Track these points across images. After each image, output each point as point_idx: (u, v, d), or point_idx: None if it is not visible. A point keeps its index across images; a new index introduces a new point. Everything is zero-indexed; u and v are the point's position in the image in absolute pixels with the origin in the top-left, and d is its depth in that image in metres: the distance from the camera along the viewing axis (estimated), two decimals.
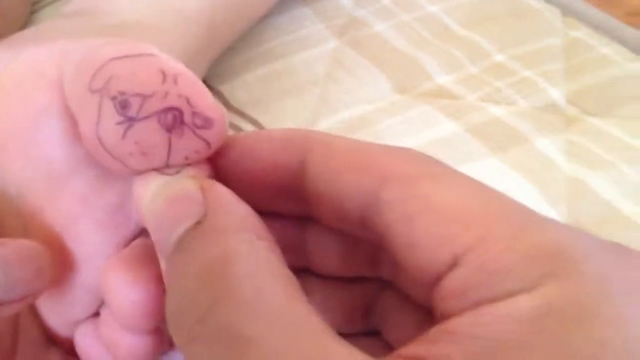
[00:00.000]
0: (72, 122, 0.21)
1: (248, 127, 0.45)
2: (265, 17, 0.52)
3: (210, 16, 0.43)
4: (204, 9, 0.42)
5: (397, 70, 0.49)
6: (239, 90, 0.47)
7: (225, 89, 0.47)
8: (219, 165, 0.21)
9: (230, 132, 0.22)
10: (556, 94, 0.48)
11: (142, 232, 0.22)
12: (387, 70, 0.49)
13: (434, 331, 0.17)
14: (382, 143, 0.20)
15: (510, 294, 0.16)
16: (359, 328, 0.23)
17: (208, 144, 0.20)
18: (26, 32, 0.39)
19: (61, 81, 0.21)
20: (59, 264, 0.22)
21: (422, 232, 0.18)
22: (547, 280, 0.16)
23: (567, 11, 0.56)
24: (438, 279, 0.17)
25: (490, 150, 0.42)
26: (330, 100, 0.47)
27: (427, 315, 0.21)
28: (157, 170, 0.20)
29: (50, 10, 0.52)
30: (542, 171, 0.41)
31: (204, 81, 0.46)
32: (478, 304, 0.16)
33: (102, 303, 0.23)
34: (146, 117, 0.19)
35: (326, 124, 0.45)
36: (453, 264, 0.17)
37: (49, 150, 0.21)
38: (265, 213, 0.20)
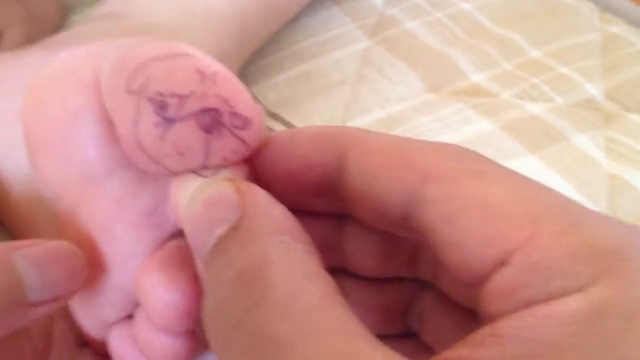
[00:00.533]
0: (108, 123, 0.21)
1: (279, 128, 0.44)
2: (296, 18, 0.51)
3: (242, 17, 0.42)
4: (236, 10, 0.42)
5: (430, 69, 0.49)
6: (269, 91, 0.47)
7: (256, 90, 0.47)
8: (256, 165, 0.21)
9: (274, 132, 0.22)
10: (593, 90, 0.47)
11: (177, 234, 0.22)
12: (419, 68, 0.49)
13: (480, 333, 0.16)
14: None
15: (561, 294, 0.15)
16: (396, 330, 0.22)
17: (246, 144, 0.20)
18: (59, 37, 0.40)
19: (97, 82, 0.21)
20: (94, 265, 0.22)
21: (468, 230, 0.17)
22: (599, 280, 0.15)
23: (604, 7, 0.55)
24: (484, 278, 0.17)
25: (527, 148, 0.41)
26: (361, 99, 0.46)
27: (467, 316, 0.20)
28: (194, 171, 0.20)
29: (82, 15, 0.53)
30: (580, 169, 0.40)
31: None
32: (526, 304, 0.16)
33: (135, 305, 0.23)
34: (184, 118, 0.19)
35: (358, 124, 0.45)
36: (500, 263, 0.16)
37: (85, 152, 0.21)
38: (301, 212, 0.20)
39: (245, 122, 0.19)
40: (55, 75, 0.21)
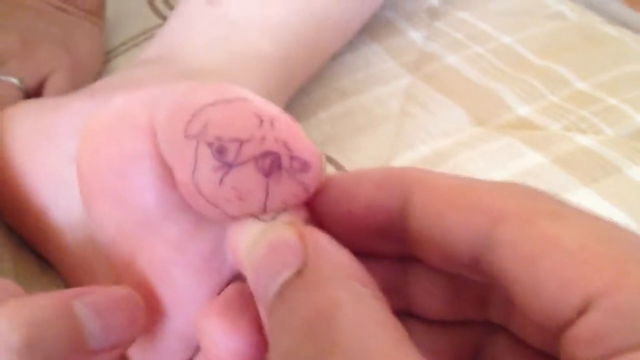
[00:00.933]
0: (164, 168, 0.20)
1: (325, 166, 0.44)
2: (337, 56, 0.51)
3: (285, 56, 0.43)
4: (280, 50, 0.42)
5: (474, 102, 0.48)
6: (313, 129, 0.47)
7: None
8: (316, 207, 0.21)
9: (335, 173, 0.22)
10: None
11: (236, 278, 0.22)
12: (463, 102, 0.48)
13: None
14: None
15: None
16: None
17: (306, 187, 0.20)
18: (105, 81, 0.40)
19: (152, 127, 0.21)
20: (152, 311, 0.22)
21: (547, 274, 0.16)
22: None
23: None
24: (566, 324, 0.16)
25: (580, 181, 0.41)
26: (405, 136, 0.46)
27: None
28: (254, 215, 0.20)
29: (123, 59, 0.53)
30: (638, 201, 0.39)
31: None
32: (615, 351, 0.15)
33: (194, 351, 0.23)
34: (243, 163, 0.19)
35: (403, 160, 0.44)
36: (584, 309, 0.16)
37: (142, 197, 0.21)
38: (364, 254, 0.19)
39: (305, 166, 0.19)
40: (110, 121, 0.22)
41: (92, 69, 0.50)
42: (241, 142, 0.19)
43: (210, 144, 0.19)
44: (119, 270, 0.22)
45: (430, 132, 0.46)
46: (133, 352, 0.24)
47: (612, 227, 0.17)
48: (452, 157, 0.44)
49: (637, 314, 0.15)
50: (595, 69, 0.50)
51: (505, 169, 0.42)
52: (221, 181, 0.19)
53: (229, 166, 0.19)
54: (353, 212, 0.20)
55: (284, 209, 0.20)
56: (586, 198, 0.39)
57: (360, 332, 0.16)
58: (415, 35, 0.55)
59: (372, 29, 0.55)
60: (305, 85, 0.48)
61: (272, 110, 0.19)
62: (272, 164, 0.19)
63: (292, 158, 0.19)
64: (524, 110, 0.47)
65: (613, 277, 0.15)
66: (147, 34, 0.55)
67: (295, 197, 0.20)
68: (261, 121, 0.19)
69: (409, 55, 0.53)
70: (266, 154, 0.19)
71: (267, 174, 0.19)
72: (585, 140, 0.44)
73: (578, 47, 0.53)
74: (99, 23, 0.53)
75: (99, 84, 0.40)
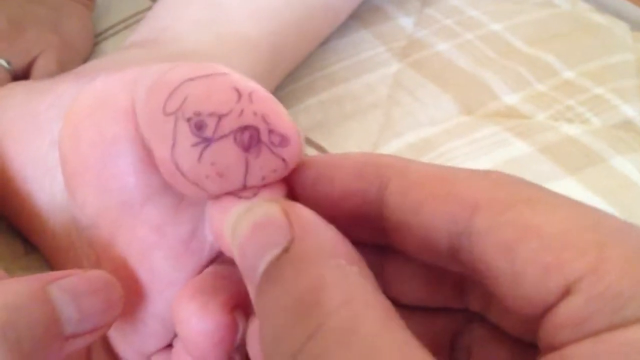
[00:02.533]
0: (144, 150, 0.20)
1: (312, 152, 0.44)
2: (326, 42, 0.51)
3: (273, 41, 0.43)
4: (267, 34, 0.42)
5: (462, 91, 0.48)
6: (301, 115, 0.47)
7: (288, 113, 0.47)
8: (294, 189, 0.20)
9: (313, 155, 0.22)
10: (630, 111, 0.46)
11: (216, 259, 0.22)
12: (451, 90, 0.48)
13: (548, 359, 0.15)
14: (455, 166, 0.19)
15: (633, 322, 0.15)
16: None
17: (285, 162, 0.19)
18: (91, 64, 0.40)
19: (133, 109, 0.20)
20: (132, 294, 0.22)
21: (526, 261, 0.16)
22: None
23: (636, 26, 0.55)
24: (547, 309, 0.16)
25: (565, 171, 0.41)
26: (394, 123, 0.46)
27: (520, 348, 0.20)
28: (234, 194, 0.20)
29: (112, 42, 0.53)
30: (620, 191, 0.40)
31: None
32: (597, 333, 0.15)
33: (175, 335, 0.23)
34: (222, 137, 0.19)
35: (390, 147, 0.44)
36: (565, 293, 0.16)
37: (122, 179, 0.21)
38: None
39: (284, 140, 0.19)
40: (91, 103, 0.21)
41: (82, 51, 0.50)
42: (220, 117, 0.19)
43: (188, 120, 0.19)
44: (99, 253, 0.22)
45: (419, 120, 0.46)
46: (114, 335, 0.24)
47: (591, 212, 0.17)
48: (439, 145, 0.44)
49: (616, 296, 0.15)
50: (584, 57, 0.50)
51: (491, 157, 0.42)
52: (200, 157, 0.19)
53: (208, 141, 0.19)
54: (330, 196, 0.20)
55: (264, 185, 0.20)
56: (569, 187, 0.40)
57: (347, 311, 0.16)
58: (406, 22, 0.55)
59: (362, 15, 0.55)
60: (294, 71, 0.48)
61: (250, 84, 0.19)
62: (251, 137, 0.19)
63: (270, 132, 0.19)
64: (511, 98, 0.47)
65: (593, 262, 0.16)
66: (137, 17, 0.55)
67: (275, 172, 0.19)
68: (240, 95, 0.19)
69: (398, 41, 0.53)
70: (245, 128, 0.19)
71: (246, 148, 0.19)
72: (571, 130, 0.44)
73: (567, 36, 0.53)
74: (90, 5, 0.53)
75: (86, 66, 0.40)
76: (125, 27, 0.55)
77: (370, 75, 0.50)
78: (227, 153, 0.19)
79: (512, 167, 0.41)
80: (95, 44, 0.53)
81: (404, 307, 0.22)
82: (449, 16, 0.55)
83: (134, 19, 0.55)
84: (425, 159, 0.43)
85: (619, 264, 0.15)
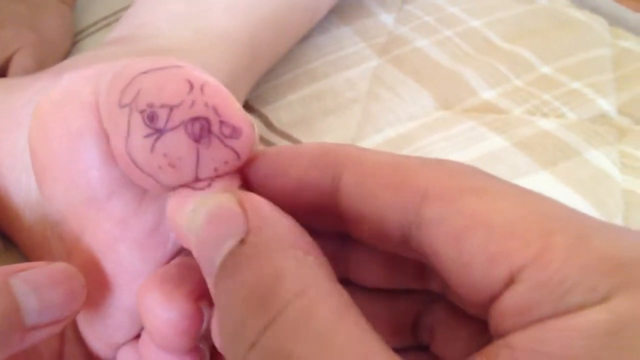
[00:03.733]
0: (108, 144, 0.21)
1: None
2: (307, 37, 0.52)
3: (252, 36, 0.43)
4: (245, 29, 0.42)
5: (440, 86, 0.49)
6: (281, 111, 0.47)
7: (268, 110, 0.47)
8: (250, 181, 0.21)
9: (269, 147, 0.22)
10: (606, 105, 0.46)
11: (183, 250, 0.22)
12: (429, 86, 0.49)
13: (493, 346, 0.16)
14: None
15: (577, 308, 0.15)
16: (407, 342, 0.22)
17: (237, 154, 0.20)
18: (70, 61, 0.40)
19: (96, 103, 0.21)
20: (100, 287, 0.22)
21: (472, 250, 0.17)
22: (617, 292, 0.15)
23: (614, 21, 0.55)
24: (494, 297, 0.16)
25: (540, 165, 0.41)
26: (373, 118, 0.46)
27: (480, 328, 0.20)
28: (188, 186, 0.20)
29: (94, 40, 0.53)
30: (594, 184, 0.40)
31: (247, 102, 0.46)
32: (541, 320, 0.15)
33: (142, 326, 0.23)
34: (173, 128, 0.19)
35: (369, 143, 0.45)
36: (510, 282, 0.16)
37: (87, 173, 0.21)
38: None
39: (235, 131, 0.19)
40: (57, 99, 0.22)
41: (61, 48, 0.50)
42: (171, 108, 0.19)
43: (142, 112, 0.19)
44: (68, 247, 0.23)
45: (398, 115, 0.47)
46: (84, 327, 0.24)
47: (538, 200, 0.17)
48: (417, 140, 0.44)
49: (559, 284, 0.15)
50: (561, 53, 0.51)
51: (468, 152, 0.43)
52: (152, 148, 0.19)
53: (159, 132, 0.19)
54: (285, 187, 0.20)
55: (218, 176, 0.20)
56: (545, 181, 0.40)
57: (302, 301, 0.16)
58: (386, 18, 0.55)
59: (343, 10, 0.55)
60: (275, 67, 0.48)
61: (203, 76, 0.19)
62: (201, 128, 0.19)
63: (221, 123, 0.19)
64: (488, 94, 0.48)
65: (537, 251, 0.16)
66: (118, 14, 0.55)
67: (227, 164, 0.20)
68: (191, 87, 0.19)
69: (378, 37, 0.53)
70: (195, 119, 0.19)
71: (197, 139, 0.19)
72: (547, 124, 0.44)
73: (545, 31, 0.53)
74: (70, 2, 0.53)
75: (65, 64, 0.40)
76: (107, 25, 0.55)
77: (351, 71, 0.50)
78: (178, 144, 0.19)
79: (488, 161, 0.42)
80: (77, 41, 0.53)
81: (366, 290, 0.22)
82: (429, 13, 0.55)
83: (115, 16, 0.55)
84: (403, 153, 0.43)
85: (562, 251, 0.16)
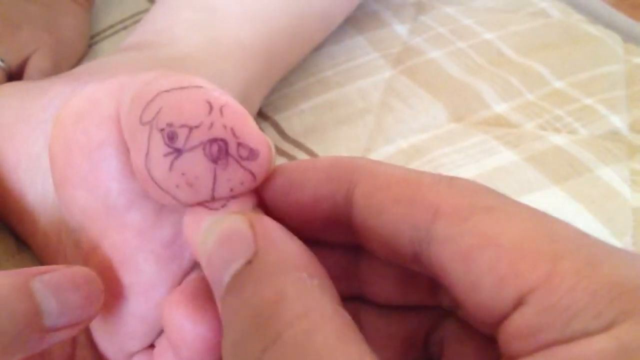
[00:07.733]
0: (128, 156, 0.21)
1: (303, 157, 0.45)
2: (320, 46, 0.52)
3: (267, 45, 0.43)
4: (261, 38, 0.43)
5: (453, 98, 0.49)
6: (294, 119, 0.47)
7: (280, 118, 0.47)
8: (265, 197, 0.21)
9: (285, 162, 0.22)
10: (618, 122, 0.46)
11: (198, 264, 0.22)
12: (442, 98, 0.49)
13: None
14: (436, 173, 0.20)
15: (583, 335, 0.15)
16: (417, 358, 0.22)
17: (253, 175, 0.20)
18: (87, 66, 0.40)
19: (118, 116, 0.21)
20: (116, 296, 0.22)
21: (481, 270, 0.17)
22: (625, 318, 0.15)
23: (628, 37, 0.55)
24: (502, 318, 0.17)
25: (550, 180, 0.41)
26: (385, 129, 0.47)
27: (489, 344, 0.20)
28: (204, 204, 0.20)
29: (108, 43, 0.54)
30: (605, 201, 0.40)
31: (260, 110, 0.46)
32: (548, 345, 0.15)
33: (157, 335, 0.23)
34: (192, 149, 0.19)
35: (381, 154, 0.45)
36: (518, 304, 0.16)
37: (107, 184, 0.22)
38: (316, 241, 0.20)
39: (252, 153, 0.20)
40: (80, 109, 0.22)
41: (76, 50, 0.50)
42: (190, 128, 0.19)
43: (161, 130, 0.19)
44: (85, 254, 0.23)
45: (410, 126, 0.47)
46: (98, 335, 0.25)
47: (548, 222, 0.17)
48: (428, 152, 0.45)
49: (567, 309, 0.15)
50: (574, 68, 0.51)
51: (479, 165, 0.43)
52: (171, 166, 0.19)
53: (178, 152, 0.19)
54: (301, 201, 0.20)
55: (233, 196, 0.20)
56: (555, 197, 0.40)
57: (304, 324, 0.16)
58: (400, 29, 0.55)
59: (357, 20, 0.55)
60: (288, 75, 0.49)
61: (223, 97, 0.20)
62: (219, 150, 0.19)
63: (239, 145, 0.20)
64: (500, 107, 0.48)
65: (545, 274, 0.16)
66: (136, 17, 0.56)
67: (243, 185, 0.20)
68: (211, 108, 0.19)
69: (392, 48, 0.54)
70: (214, 140, 0.19)
71: (215, 160, 0.19)
72: (558, 140, 0.44)
73: (558, 46, 0.53)
74: (86, 5, 0.53)
75: (80, 68, 0.40)
76: (124, 28, 0.55)
77: (364, 81, 0.50)
78: (196, 164, 0.19)
79: (499, 176, 0.42)
80: (94, 44, 0.54)
81: (379, 306, 0.22)
82: (443, 24, 0.56)
83: (132, 19, 0.55)
84: (415, 165, 0.43)
85: (571, 276, 0.16)
